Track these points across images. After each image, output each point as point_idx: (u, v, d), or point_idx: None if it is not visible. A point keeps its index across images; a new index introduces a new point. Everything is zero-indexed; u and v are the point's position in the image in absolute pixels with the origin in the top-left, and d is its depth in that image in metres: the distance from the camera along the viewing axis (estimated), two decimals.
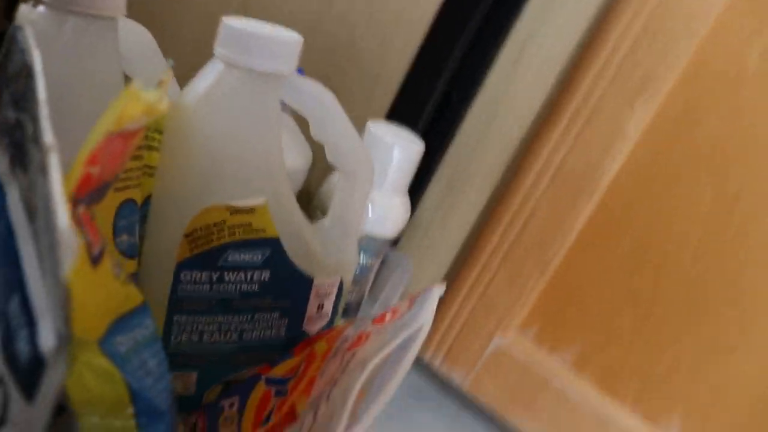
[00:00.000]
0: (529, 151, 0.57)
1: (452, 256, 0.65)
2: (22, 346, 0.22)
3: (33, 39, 0.29)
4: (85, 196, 0.24)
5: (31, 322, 0.22)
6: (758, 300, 0.50)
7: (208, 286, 0.40)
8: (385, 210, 0.51)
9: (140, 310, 0.28)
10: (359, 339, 0.38)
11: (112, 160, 0.26)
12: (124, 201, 0.34)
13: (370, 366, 0.30)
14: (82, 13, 0.34)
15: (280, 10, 0.63)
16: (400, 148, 0.50)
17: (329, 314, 0.45)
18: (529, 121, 0.57)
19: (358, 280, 0.52)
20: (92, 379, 0.25)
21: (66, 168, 0.24)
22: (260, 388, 0.42)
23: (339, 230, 0.45)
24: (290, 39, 0.36)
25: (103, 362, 0.25)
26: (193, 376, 0.43)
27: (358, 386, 0.28)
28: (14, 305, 0.23)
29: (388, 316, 0.40)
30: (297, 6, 0.63)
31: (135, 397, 0.27)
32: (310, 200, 0.55)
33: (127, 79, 0.40)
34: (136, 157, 0.35)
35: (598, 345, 0.57)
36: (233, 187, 0.38)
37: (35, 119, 0.23)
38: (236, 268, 0.40)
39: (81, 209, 0.23)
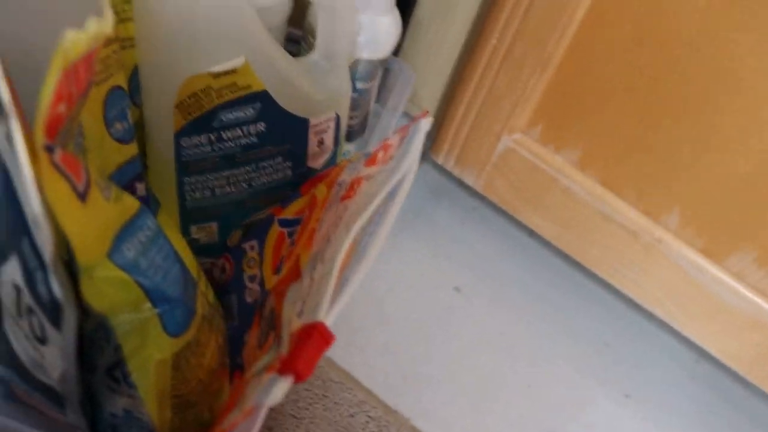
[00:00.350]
0: None
1: (455, 56, 0.64)
2: (42, 288, 0.25)
3: None
4: (59, 134, 0.25)
5: (42, 266, 0.25)
6: (758, 94, 0.49)
7: (209, 147, 0.42)
8: (374, 31, 0.50)
9: (139, 215, 0.30)
10: (351, 187, 0.40)
11: (78, 85, 0.27)
12: (109, 90, 0.35)
13: (354, 229, 0.32)
14: None
15: None
16: None
17: (331, 146, 0.47)
18: None
19: (357, 105, 0.53)
20: (110, 288, 0.28)
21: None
22: (275, 230, 0.46)
23: (327, 64, 0.45)
24: None
25: (116, 273, 0.28)
26: (214, 225, 0.46)
27: (342, 253, 0.31)
28: (26, 246, 0.26)
29: (379, 155, 0.42)
30: None
31: (149, 293, 0.30)
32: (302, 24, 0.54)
33: None
34: (107, 44, 0.35)
35: (601, 143, 0.58)
36: (211, 52, 0.38)
37: None
38: (231, 126, 0.41)
39: (58, 153, 0.24)
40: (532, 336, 0.62)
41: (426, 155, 0.70)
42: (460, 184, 0.68)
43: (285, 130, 0.43)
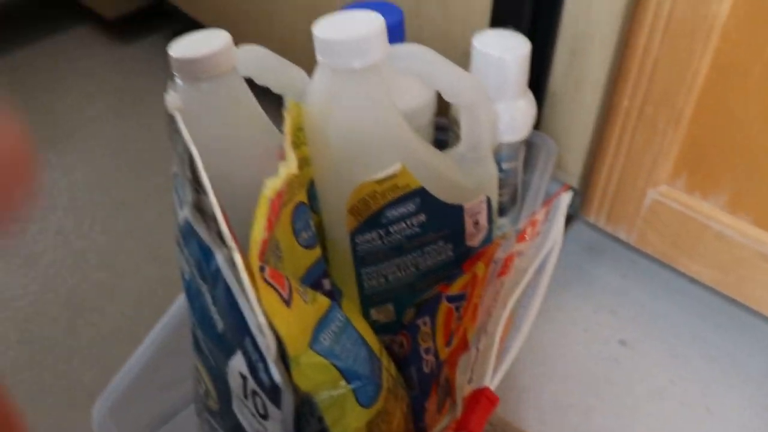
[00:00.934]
0: (639, 4, 0.58)
1: (592, 121, 0.68)
2: (263, 376, 0.33)
3: (182, 124, 0.37)
4: (265, 255, 0.33)
5: (262, 359, 0.32)
6: None
7: (379, 241, 0.49)
8: (511, 117, 0.56)
9: (330, 310, 0.37)
10: (506, 264, 0.45)
11: (274, 214, 0.35)
12: (295, 207, 0.43)
13: (510, 304, 0.37)
14: (206, 77, 0.41)
15: None
16: (509, 57, 0.54)
17: (485, 225, 0.52)
18: None
19: (504, 184, 0.59)
20: (313, 372, 0.35)
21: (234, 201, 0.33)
22: (444, 306, 0.51)
23: (473, 154, 0.51)
24: (375, 31, 0.40)
25: (317, 359, 0.35)
26: (390, 306, 0.53)
27: (501, 326, 0.36)
28: (248, 343, 0.33)
29: (528, 231, 0.47)
30: None
31: (344, 373, 0.37)
32: (447, 116, 0.61)
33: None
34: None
35: (748, 184, 0.59)
36: (373, 161, 0.45)
37: (209, 206, 0.32)
38: (396, 220, 0.48)
39: (267, 270, 0.32)
40: (703, 381, 0.63)
41: (578, 215, 0.74)
42: (616, 238, 0.71)
43: (443, 218, 0.49)
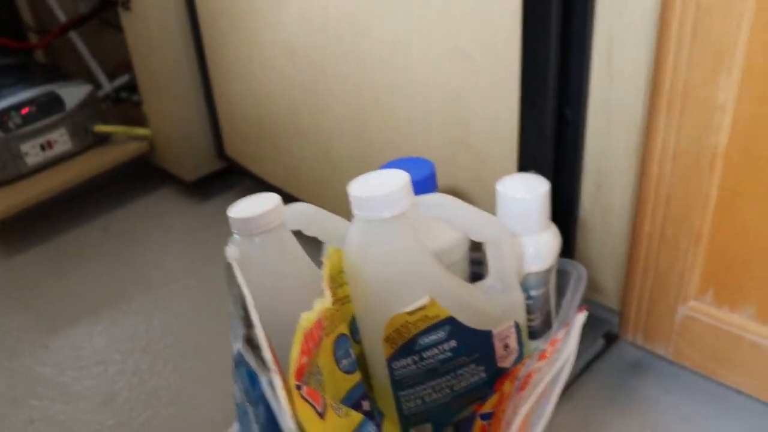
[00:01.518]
0: (649, 139, 0.64)
1: (622, 245, 0.73)
2: None
3: (238, 270, 0.45)
4: (304, 375, 0.39)
5: None
6: None
7: (414, 367, 0.54)
8: (536, 249, 0.62)
9: (363, 424, 0.43)
10: (526, 381, 0.49)
11: (313, 342, 0.41)
12: (336, 338, 0.49)
13: (520, 415, 0.42)
14: (258, 232, 0.50)
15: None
16: (530, 197, 0.61)
17: (516, 347, 0.57)
18: (641, 102, 0.63)
19: (534, 309, 0.63)
20: None
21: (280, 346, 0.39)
22: (477, 424, 0.56)
23: (500, 285, 0.56)
24: (400, 186, 0.48)
25: None
26: (428, 426, 0.57)
27: None
28: None
29: (548, 350, 0.51)
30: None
31: None
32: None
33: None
34: (328, 312, 0.50)
35: None
36: (406, 295, 0.51)
37: (257, 338, 0.39)
38: (429, 347, 0.53)
39: (304, 389, 0.38)
40: None
41: (619, 335, 0.77)
42: (659, 355, 0.73)
43: (473, 343, 0.55)
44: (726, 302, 0.66)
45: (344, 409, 0.43)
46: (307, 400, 0.38)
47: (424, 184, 0.64)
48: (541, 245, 0.62)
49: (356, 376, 0.51)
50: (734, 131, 0.59)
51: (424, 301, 0.51)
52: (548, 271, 0.63)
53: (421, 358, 0.54)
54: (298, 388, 0.38)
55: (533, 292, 0.63)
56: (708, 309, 0.67)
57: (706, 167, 0.61)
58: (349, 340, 0.51)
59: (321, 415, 0.39)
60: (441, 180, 0.81)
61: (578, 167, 0.72)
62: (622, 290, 0.74)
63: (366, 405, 0.51)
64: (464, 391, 0.56)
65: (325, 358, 0.47)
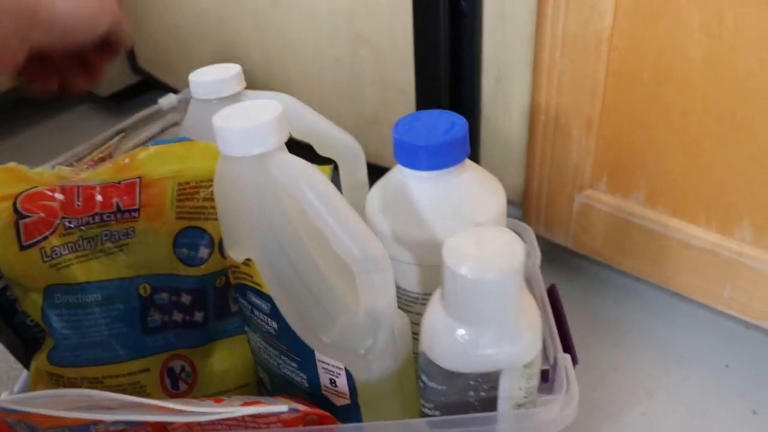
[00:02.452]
0: (539, 23, 0.63)
1: (523, 140, 0.73)
2: None
3: None
4: None
5: None
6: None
7: (248, 312, 0.47)
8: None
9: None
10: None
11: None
12: (190, 227, 0.48)
13: None
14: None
15: None
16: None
17: (347, 395, 0.45)
18: None
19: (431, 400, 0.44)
20: None
21: None
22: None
23: (362, 321, 0.43)
24: (258, 123, 0.39)
25: None
26: (266, 376, 0.52)
27: None
28: None
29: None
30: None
31: None
32: None
33: None
34: (207, 199, 0.49)
35: (662, 179, 0.63)
36: (245, 240, 0.44)
37: None
38: (256, 308, 0.46)
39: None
40: (646, 370, 0.66)
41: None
42: (559, 245, 0.75)
43: (295, 347, 0.45)
44: (618, 189, 0.67)
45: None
46: None
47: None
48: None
49: (198, 270, 0.49)
50: (617, 15, 0.59)
51: (238, 258, 0.44)
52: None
53: (251, 311, 0.47)
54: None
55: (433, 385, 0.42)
56: (602, 196, 0.68)
57: (593, 53, 0.61)
58: (209, 239, 0.50)
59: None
60: (342, 81, 0.80)
61: (477, 61, 0.71)
62: (524, 183, 0.75)
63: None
64: (288, 378, 0.48)
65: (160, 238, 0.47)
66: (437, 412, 0.43)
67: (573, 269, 0.78)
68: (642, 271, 0.69)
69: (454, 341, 0.39)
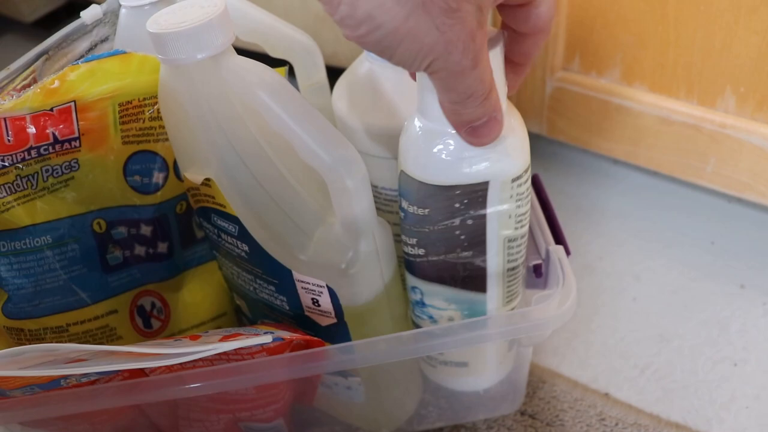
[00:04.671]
0: None
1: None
2: None
3: None
4: None
5: None
6: None
7: (215, 237, 0.44)
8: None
9: None
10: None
11: None
12: (140, 151, 0.44)
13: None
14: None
15: None
16: None
17: (332, 313, 0.42)
18: None
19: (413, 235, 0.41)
20: None
21: None
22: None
23: (339, 230, 0.40)
24: (200, 23, 0.34)
25: None
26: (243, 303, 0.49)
27: None
28: None
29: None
30: None
31: None
32: None
33: None
34: (154, 118, 0.44)
35: (636, 52, 0.59)
36: (201, 159, 0.40)
37: None
38: (224, 230, 0.42)
39: None
40: (632, 255, 0.64)
41: None
42: (534, 133, 0.71)
43: (271, 268, 0.42)
44: (592, 67, 0.63)
45: None
46: None
47: None
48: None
49: (155, 198, 0.45)
50: None
51: (197, 179, 0.40)
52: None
53: (218, 235, 0.43)
54: None
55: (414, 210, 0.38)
56: (576, 77, 0.64)
57: None
58: (161, 162, 0.45)
59: None
60: None
61: None
62: None
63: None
64: (266, 303, 0.45)
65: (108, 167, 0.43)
66: (421, 251, 0.40)
67: (548, 157, 0.75)
68: (621, 153, 0.66)
69: (437, 149, 0.36)
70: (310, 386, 0.48)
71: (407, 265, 0.42)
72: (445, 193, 0.37)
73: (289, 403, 0.48)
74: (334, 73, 0.50)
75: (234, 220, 0.40)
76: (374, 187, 0.44)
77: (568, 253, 0.45)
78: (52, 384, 0.39)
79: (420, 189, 0.37)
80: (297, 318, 0.44)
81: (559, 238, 0.46)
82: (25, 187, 0.42)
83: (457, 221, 0.38)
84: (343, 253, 0.40)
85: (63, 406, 0.41)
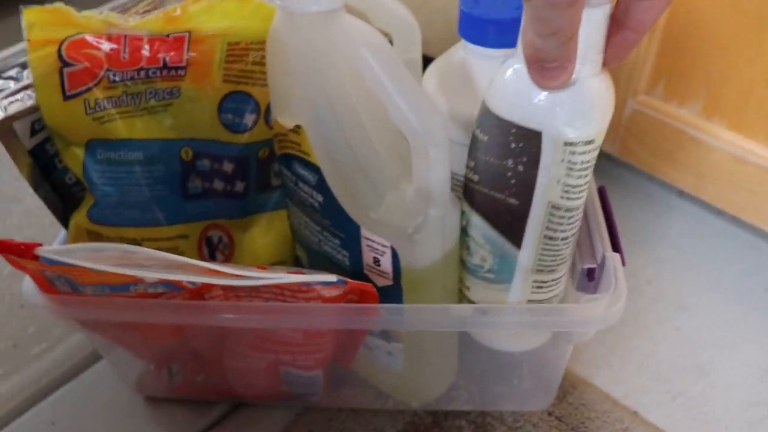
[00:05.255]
0: None
1: None
2: None
3: None
4: None
5: None
6: None
7: (291, 185, 0.46)
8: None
9: None
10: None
11: None
12: (237, 91, 0.46)
13: None
14: None
15: None
16: None
17: (390, 275, 0.44)
18: None
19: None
20: None
21: None
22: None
23: (415, 195, 0.41)
24: None
25: None
26: (304, 254, 0.52)
27: None
28: None
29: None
30: None
31: None
32: None
33: None
34: (256, 63, 0.47)
35: (721, 88, 0.60)
36: (295, 106, 0.42)
37: None
38: (302, 179, 0.44)
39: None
40: (682, 286, 0.65)
41: None
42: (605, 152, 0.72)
43: (340, 220, 0.44)
44: (675, 96, 0.64)
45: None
46: None
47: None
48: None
49: (242, 138, 0.47)
50: None
51: (287, 124, 0.42)
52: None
53: (295, 183, 0.45)
54: None
55: (478, 133, 0.40)
56: (657, 103, 0.65)
57: None
58: (250, 104, 0.47)
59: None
60: None
61: None
62: None
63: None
64: (328, 256, 0.47)
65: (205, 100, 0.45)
66: (476, 176, 0.41)
67: (615, 178, 0.76)
68: (688, 184, 0.67)
69: (508, 80, 0.36)
70: (353, 343, 0.49)
71: (464, 187, 0.43)
72: (503, 126, 0.37)
73: (331, 356, 0.50)
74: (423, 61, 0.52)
75: (315, 169, 0.42)
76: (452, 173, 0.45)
77: (623, 262, 0.46)
78: (122, 288, 0.42)
79: (484, 114, 0.38)
80: (355, 275, 0.46)
81: (616, 247, 0.47)
82: (129, 103, 0.45)
83: (510, 162, 0.39)
84: (412, 218, 0.41)
85: (124, 312, 0.44)
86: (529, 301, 0.44)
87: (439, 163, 0.39)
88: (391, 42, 0.51)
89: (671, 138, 0.65)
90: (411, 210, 0.41)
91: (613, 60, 0.36)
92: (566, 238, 0.42)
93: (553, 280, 0.44)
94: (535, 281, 0.44)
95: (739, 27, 0.56)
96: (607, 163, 0.74)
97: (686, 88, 0.63)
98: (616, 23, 0.34)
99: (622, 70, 0.65)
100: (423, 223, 0.41)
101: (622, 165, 0.73)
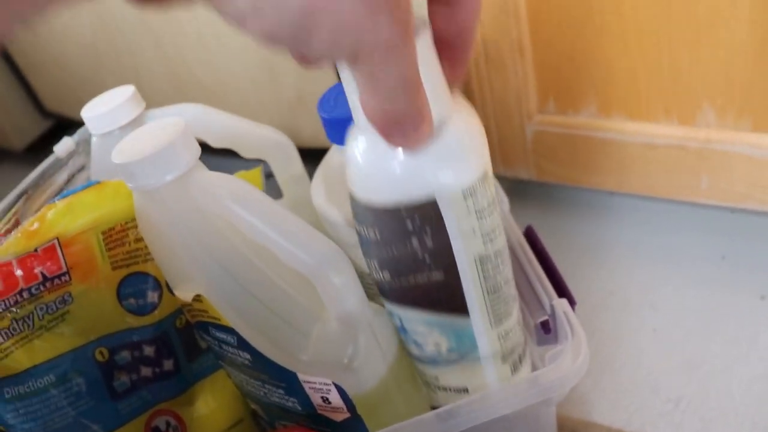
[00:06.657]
0: None
1: None
2: None
3: None
4: None
5: None
6: None
7: (218, 349, 0.43)
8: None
9: None
10: None
11: None
12: (130, 274, 0.44)
13: None
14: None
15: None
16: None
17: (343, 408, 0.41)
18: None
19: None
20: None
21: None
22: None
23: (334, 325, 0.39)
24: (161, 147, 0.35)
25: None
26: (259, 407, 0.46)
27: None
28: None
29: None
30: None
31: None
32: None
33: None
34: (139, 239, 0.44)
35: (608, 85, 0.60)
36: (188, 275, 0.39)
37: None
38: (223, 342, 0.41)
39: None
40: (644, 283, 0.63)
41: None
42: (523, 179, 0.71)
43: (275, 373, 0.42)
44: (568, 106, 0.63)
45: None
46: None
47: None
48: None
49: (152, 317, 0.45)
50: None
51: (187, 296, 0.39)
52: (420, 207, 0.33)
53: (219, 347, 0.42)
54: None
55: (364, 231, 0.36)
56: (554, 118, 0.65)
57: None
58: (153, 281, 0.45)
59: None
60: (252, 67, 0.74)
61: None
62: None
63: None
64: (279, 406, 0.44)
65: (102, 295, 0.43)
66: (386, 274, 0.37)
67: (544, 200, 0.75)
68: (612, 184, 0.66)
69: (372, 165, 0.31)
70: None
71: (378, 289, 0.39)
72: (390, 214, 0.33)
73: None
74: (317, 155, 0.50)
75: (230, 331, 0.40)
76: (364, 274, 0.43)
77: (573, 303, 0.44)
78: None
79: (365, 211, 0.34)
80: (311, 417, 0.43)
81: (562, 290, 0.45)
82: (22, 329, 0.42)
83: (415, 242, 0.34)
84: (344, 348, 0.39)
85: None
86: (503, 353, 0.41)
87: (348, 289, 0.37)
88: (267, 166, 0.49)
89: (580, 146, 0.64)
90: (339, 341, 0.39)
91: (455, 80, 0.32)
92: (507, 279, 0.39)
93: (514, 324, 0.41)
94: (499, 334, 0.41)
95: (600, 24, 0.56)
96: (529, 187, 0.73)
97: (575, 95, 0.62)
98: (440, 43, 0.30)
99: (510, 97, 0.64)
100: (356, 350, 0.39)
101: (546, 185, 0.72)
